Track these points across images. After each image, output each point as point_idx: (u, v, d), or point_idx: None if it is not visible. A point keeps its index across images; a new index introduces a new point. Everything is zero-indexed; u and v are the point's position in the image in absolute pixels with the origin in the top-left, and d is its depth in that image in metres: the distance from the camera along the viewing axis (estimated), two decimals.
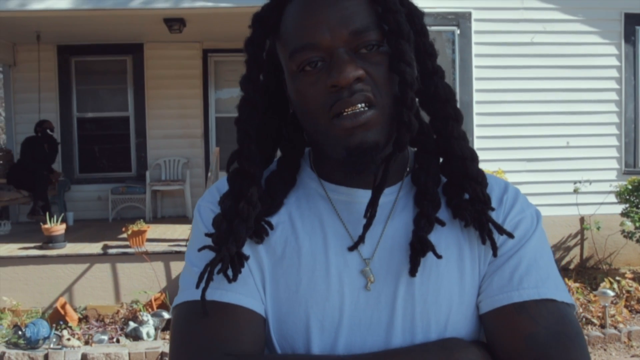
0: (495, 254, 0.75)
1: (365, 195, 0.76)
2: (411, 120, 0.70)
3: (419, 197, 0.78)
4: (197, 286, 0.70)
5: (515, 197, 0.81)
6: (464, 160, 0.77)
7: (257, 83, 0.77)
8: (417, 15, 0.77)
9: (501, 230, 0.75)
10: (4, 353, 4.25)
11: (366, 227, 0.74)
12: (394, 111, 0.71)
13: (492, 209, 0.77)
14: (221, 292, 0.72)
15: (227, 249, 0.70)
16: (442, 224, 0.75)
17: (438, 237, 0.75)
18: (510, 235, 0.75)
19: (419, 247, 0.72)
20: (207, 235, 0.74)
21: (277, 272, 0.76)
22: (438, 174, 0.80)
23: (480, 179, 0.77)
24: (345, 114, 0.70)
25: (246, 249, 0.74)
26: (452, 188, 0.79)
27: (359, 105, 0.70)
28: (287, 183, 0.81)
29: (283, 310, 0.74)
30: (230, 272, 0.71)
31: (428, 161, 0.80)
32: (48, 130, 7.08)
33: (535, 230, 0.77)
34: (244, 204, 0.73)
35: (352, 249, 0.75)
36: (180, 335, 0.72)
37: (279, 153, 0.85)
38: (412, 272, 0.72)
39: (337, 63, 0.69)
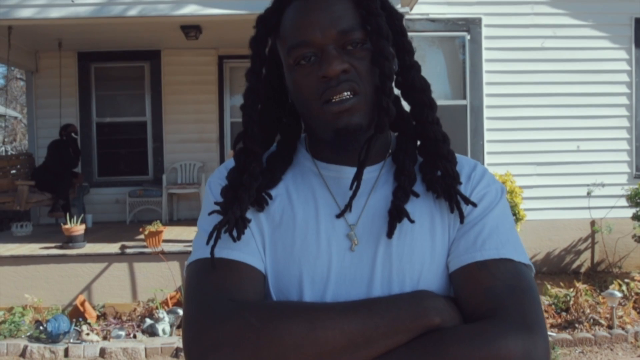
0: (462, 221, 0.87)
1: (351, 171, 0.89)
2: (389, 107, 0.84)
3: (397, 173, 0.90)
4: (207, 243, 0.82)
5: (482, 174, 0.93)
6: (436, 142, 0.90)
7: (259, 75, 0.90)
8: (396, 17, 0.90)
9: (467, 201, 0.87)
10: (26, 347, 4.42)
11: (352, 196, 0.87)
12: (375, 99, 0.85)
13: (460, 183, 0.89)
14: (228, 251, 0.85)
15: (232, 213, 0.83)
16: (417, 195, 0.88)
17: (413, 206, 0.88)
18: (474, 205, 0.87)
19: (395, 214, 0.85)
20: (216, 203, 0.87)
21: (275, 236, 0.88)
22: (415, 154, 0.93)
23: (450, 157, 0.90)
24: (333, 100, 0.83)
25: (249, 217, 0.87)
26: (427, 166, 0.91)
27: (345, 94, 0.83)
28: (285, 162, 0.94)
29: (280, 267, 0.87)
30: (235, 233, 0.84)
31: (407, 143, 0.93)
32: (73, 134, 7.29)
33: (498, 202, 0.90)
34: (247, 176, 0.86)
35: (339, 216, 0.88)
36: (192, 286, 0.84)
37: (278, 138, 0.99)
38: (389, 234, 0.85)
39: (326, 58, 0.83)
